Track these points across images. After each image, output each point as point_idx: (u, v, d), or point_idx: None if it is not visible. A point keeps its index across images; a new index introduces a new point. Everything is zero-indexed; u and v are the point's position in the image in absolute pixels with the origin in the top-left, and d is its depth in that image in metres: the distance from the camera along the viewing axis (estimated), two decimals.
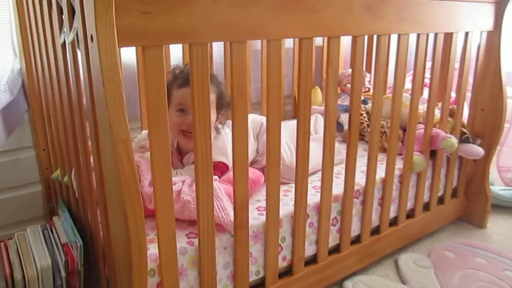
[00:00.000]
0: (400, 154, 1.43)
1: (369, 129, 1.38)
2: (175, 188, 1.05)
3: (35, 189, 1.49)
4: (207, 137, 0.86)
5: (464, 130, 1.52)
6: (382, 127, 1.54)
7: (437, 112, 1.53)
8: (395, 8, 1.11)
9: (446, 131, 1.44)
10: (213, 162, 1.19)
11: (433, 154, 1.46)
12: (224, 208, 0.98)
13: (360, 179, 1.28)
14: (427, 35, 1.29)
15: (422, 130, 1.41)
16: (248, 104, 1.34)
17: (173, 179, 1.09)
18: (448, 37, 1.34)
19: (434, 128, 1.42)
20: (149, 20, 0.75)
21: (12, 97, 1.32)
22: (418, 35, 1.24)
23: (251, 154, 1.31)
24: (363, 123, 1.64)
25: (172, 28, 0.77)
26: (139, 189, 0.76)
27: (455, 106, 1.55)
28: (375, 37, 1.35)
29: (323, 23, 0.98)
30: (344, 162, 1.20)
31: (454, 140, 1.37)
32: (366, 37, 1.15)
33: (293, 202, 1.10)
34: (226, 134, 1.23)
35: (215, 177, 1.11)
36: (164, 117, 0.80)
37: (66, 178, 1.17)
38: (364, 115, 1.65)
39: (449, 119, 1.49)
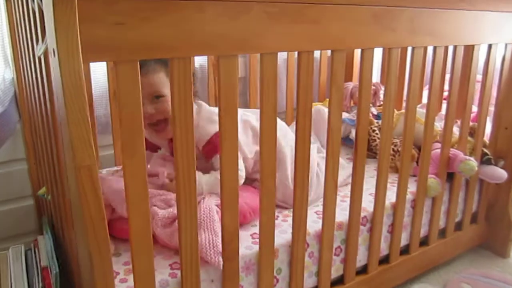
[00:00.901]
0: (415, 176, 1.31)
1: None
2: (166, 212, 0.96)
3: (28, 203, 1.43)
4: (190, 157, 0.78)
5: (486, 150, 1.40)
6: (395, 145, 1.43)
7: (456, 130, 1.41)
8: (408, 18, 1.01)
9: (466, 152, 1.32)
10: (207, 139, 1.10)
11: (450, 176, 1.34)
12: (214, 244, 0.89)
13: (368, 203, 1.17)
14: (445, 47, 1.18)
15: (439, 150, 1.30)
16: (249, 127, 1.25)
17: (169, 196, 1.01)
18: (469, 49, 1.23)
19: (452, 149, 1.30)
20: (122, 31, 0.66)
21: (3, 108, 1.26)
22: (435, 48, 1.13)
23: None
24: (375, 139, 1.53)
25: (149, 41, 0.69)
26: (105, 223, 0.67)
27: (476, 124, 1.43)
28: None
29: (325, 34, 0.89)
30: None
31: (474, 163, 1.25)
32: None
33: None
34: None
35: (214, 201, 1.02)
36: (141, 141, 0.72)
37: (50, 196, 1.10)
38: (377, 131, 1.54)
39: (469, 138, 1.37)
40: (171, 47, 0.71)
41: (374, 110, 1.69)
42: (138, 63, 0.70)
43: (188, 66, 0.74)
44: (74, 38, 0.61)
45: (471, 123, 1.40)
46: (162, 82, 1.07)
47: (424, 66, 1.71)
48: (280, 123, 1.21)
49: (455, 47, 1.19)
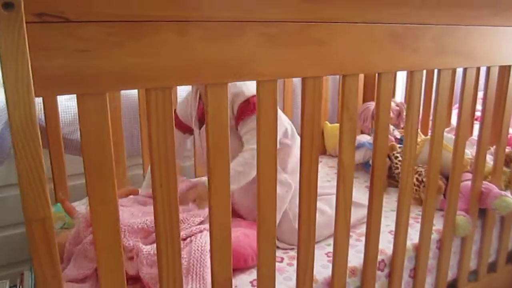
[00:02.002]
0: (442, 210, 1.17)
1: None
2: (151, 248, 0.86)
3: (23, 230, 1.35)
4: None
5: None
6: (419, 174, 1.28)
7: (490, 159, 1.26)
8: (433, 37, 0.88)
9: (500, 185, 1.17)
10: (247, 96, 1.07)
11: (482, 211, 1.18)
12: None
13: (387, 244, 1.03)
14: (477, 68, 1.04)
15: (469, 183, 1.15)
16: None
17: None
18: (505, 70, 1.08)
19: (484, 182, 1.15)
20: (88, 60, 0.56)
21: None
22: (465, 69, 0.99)
23: None
24: (398, 167, 1.39)
25: (119, 70, 0.59)
26: (60, 282, 0.57)
27: None
28: None
29: (333, 57, 0.77)
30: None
31: (510, 199, 1.10)
32: None
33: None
34: None
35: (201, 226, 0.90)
36: (112, 185, 0.61)
37: None
38: (400, 158, 1.40)
39: (505, 168, 1.21)
40: (147, 77, 0.61)
41: (397, 134, 1.56)
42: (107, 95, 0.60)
43: (168, 97, 0.63)
44: (24, 69, 0.52)
45: (507, 150, 1.25)
46: None
47: (453, 86, 1.56)
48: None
49: (488, 68, 1.04)
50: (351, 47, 0.78)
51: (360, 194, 1.32)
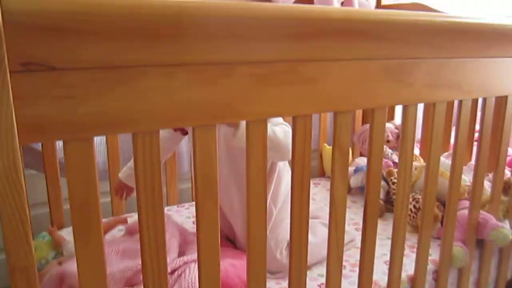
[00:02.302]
0: (439, 238, 1.16)
1: None
2: None
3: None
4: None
5: None
6: (417, 201, 1.27)
7: (488, 186, 1.25)
8: (428, 71, 0.87)
9: (499, 215, 1.16)
10: None
11: (480, 240, 1.17)
12: None
13: (381, 275, 1.02)
14: (473, 100, 1.03)
15: (466, 211, 1.14)
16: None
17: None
18: (502, 100, 1.07)
19: (482, 212, 1.14)
20: (74, 106, 0.56)
21: None
22: (460, 101, 0.99)
23: None
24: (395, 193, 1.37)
25: (105, 116, 0.58)
26: None
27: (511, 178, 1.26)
28: None
29: (325, 94, 0.76)
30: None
31: (507, 231, 1.08)
32: None
33: None
34: None
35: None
36: (97, 225, 0.61)
37: None
38: None
39: (503, 197, 1.20)
40: (133, 121, 0.61)
41: (396, 157, 1.54)
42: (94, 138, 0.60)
43: (155, 140, 0.63)
44: (8, 119, 0.52)
45: (505, 177, 1.24)
46: None
47: (451, 111, 1.54)
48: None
49: (484, 99, 1.04)
50: (343, 84, 0.77)
51: (359, 217, 1.31)
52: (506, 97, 1.06)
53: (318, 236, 1.13)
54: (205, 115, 0.66)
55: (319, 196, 1.51)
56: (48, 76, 0.54)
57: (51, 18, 0.51)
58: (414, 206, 1.27)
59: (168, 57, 0.61)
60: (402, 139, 0.91)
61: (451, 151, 1.50)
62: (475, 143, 1.59)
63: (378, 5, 1.64)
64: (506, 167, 1.24)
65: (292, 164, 0.77)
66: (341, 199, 0.85)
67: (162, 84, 0.61)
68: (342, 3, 1.50)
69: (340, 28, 0.72)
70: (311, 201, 0.82)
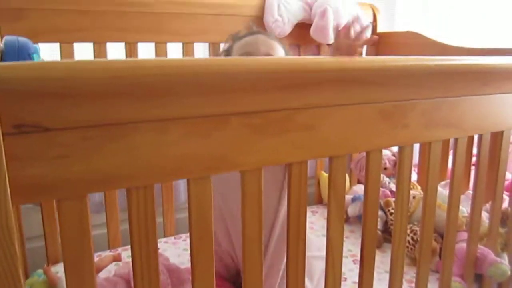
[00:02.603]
0: (438, 271, 1.15)
1: None
2: None
3: None
4: None
5: None
6: (415, 233, 1.27)
7: (486, 217, 1.24)
8: (423, 112, 0.87)
9: (497, 248, 1.15)
10: None
11: (479, 275, 1.16)
12: None
13: None
14: (469, 137, 1.03)
15: (465, 245, 1.13)
16: None
17: None
18: (497, 136, 1.07)
19: (480, 246, 1.13)
20: (67, 166, 0.56)
21: None
22: (456, 139, 0.99)
23: None
24: (393, 223, 1.37)
25: (99, 173, 0.58)
26: None
27: (509, 209, 1.26)
28: None
29: (321, 141, 0.76)
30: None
31: (506, 267, 1.08)
32: None
33: None
34: None
35: None
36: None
37: None
38: None
39: (501, 230, 1.19)
40: (127, 177, 0.60)
41: (393, 186, 1.54)
42: (88, 197, 0.59)
43: (150, 194, 0.63)
44: (0, 181, 0.51)
45: (503, 207, 1.24)
46: (279, 53, 1.05)
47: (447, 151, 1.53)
48: None
49: (480, 136, 1.04)
50: (339, 129, 0.77)
51: (357, 249, 1.31)
52: (501, 132, 1.06)
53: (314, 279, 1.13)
54: (200, 168, 0.66)
55: (317, 225, 1.51)
56: (41, 137, 0.54)
57: (43, 84, 0.51)
58: (412, 238, 1.26)
59: (160, 113, 0.61)
60: (398, 179, 0.91)
61: (448, 180, 1.50)
62: (473, 167, 1.59)
63: (374, 33, 1.65)
64: (505, 192, 1.23)
65: (288, 215, 0.76)
66: (337, 242, 0.84)
67: (155, 139, 0.61)
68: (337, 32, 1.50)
69: (335, 77, 0.72)
70: (308, 230, 0.81)
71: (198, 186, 0.66)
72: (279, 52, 1.03)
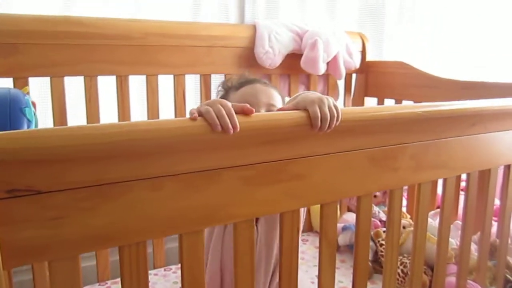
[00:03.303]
0: None
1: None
2: None
3: None
4: None
5: (510, 276, 1.24)
6: (404, 266, 1.28)
7: (474, 250, 1.25)
8: (412, 155, 0.88)
9: (485, 283, 1.16)
10: None
11: None
12: None
13: None
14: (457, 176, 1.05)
15: (454, 279, 1.14)
16: None
17: None
18: (485, 174, 1.09)
19: (469, 281, 1.14)
20: (59, 227, 0.56)
21: None
22: (445, 179, 1.00)
23: None
24: (383, 254, 1.38)
25: (92, 232, 0.58)
26: None
27: (497, 241, 1.27)
28: None
29: (313, 189, 0.77)
30: None
31: None
32: None
33: None
34: None
35: None
36: None
37: None
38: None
39: (489, 263, 1.21)
40: (121, 235, 0.60)
41: (383, 215, 1.55)
42: (80, 257, 0.59)
43: (142, 250, 0.63)
44: None
45: (491, 239, 1.25)
46: (279, 103, 1.03)
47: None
48: None
49: (468, 174, 1.05)
50: (330, 176, 0.78)
51: (348, 280, 1.31)
52: (489, 170, 1.08)
53: None
54: (193, 222, 0.66)
55: (308, 254, 1.51)
56: (34, 199, 0.54)
57: (34, 153, 0.51)
58: (402, 271, 1.27)
59: (154, 170, 0.61)
60: (388, 221, 0.92)
61: (437, 209, 1.52)
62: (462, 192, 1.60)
63: (363, 62, 1.67)
64: (493, 218, 1.24)
65: (280, 260, 0.77)
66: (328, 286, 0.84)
67: (149, 196, 0.61)
68: (328, 63, 1.52)
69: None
70: (299, 261, 0.81)
71: (190, 240, 0.66)
72: (278, 99, 1.02)
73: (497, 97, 1.28)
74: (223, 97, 1.06)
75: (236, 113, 0.64)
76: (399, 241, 0.99)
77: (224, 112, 0.62)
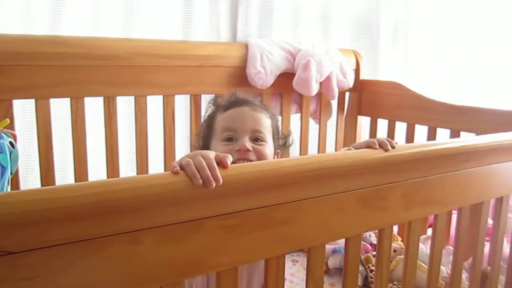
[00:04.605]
0: None
1: None
2: None
3: None
4: None
5: None
6: None
7: (465, 278, 1.24)
8: (403, 194, 0.86)
9: None
10: None
11: None
12: None
13: None
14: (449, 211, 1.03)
15: None
16: None
17: None
18: (477, 207, 1.07)
19: None
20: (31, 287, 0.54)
21: None
22: (436, 215, 0.98)
23: None
24: (373, 280, 1.36)
25: None
26: None
27: (489, 268, 1.26)
28: None
29: (299, 233, 0.75)
30: None
31: None
32: None
33: None
34: None
35: None
36: None
37: None
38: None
39: None
40: None
41: (374, 239, 1.54)
42: None
43: None
44: None
45: (483, 266, 1.24)
46: (267, 128, 0.99)
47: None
48: None
49: (460, 209, 1.03)
50: (317, 220, 0.76)
51: None
52: (481, 204, 1.06)
53: None
54: (174, 273, 0.64)
55: (298, 277, 1.49)
56: (4, 260, 0.52)
57: (5, 218, 0.49)
58: None
59: (133, 225, 0.59)
60: (378, 260, 0.90)
61: (428, 234, 1.50)
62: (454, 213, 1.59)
63: (357, 80, 1.65)
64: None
65: None
66: None
67: (128, 250, 0.59)
68: (320, 83, 1.50)
69: (314, 176, 0.71)
70: (288, 284, 0.78)
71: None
72: (266, 124, 0.99)
73: (492, 123, 1.27)
74: (212, 114, 1.04)
75: (217, 164, 0.62)
76: (389, 268, 0.98)
77: (205, 164, 0.60)
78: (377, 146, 0.78)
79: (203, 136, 1.03)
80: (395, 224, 0.90)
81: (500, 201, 1.12)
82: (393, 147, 0.79)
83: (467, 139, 0.92)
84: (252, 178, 0.65)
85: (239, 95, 1.06)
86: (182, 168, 0.60)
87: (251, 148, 0.91)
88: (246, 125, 0.94)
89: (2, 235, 0.50)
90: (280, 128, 1.09)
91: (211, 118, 1.02)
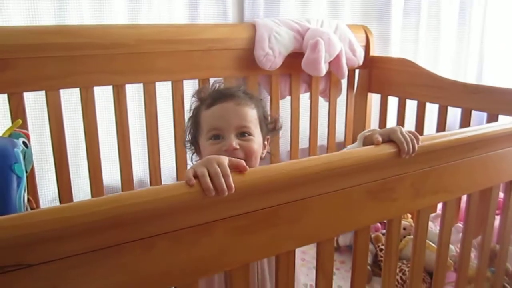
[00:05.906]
0: None
1: None
2: None
3: None
4: None
5: (508, 285, 1.24)
6: (403, 273, 1.29)
7: (474, 257, 1.26)
8: (411, 184, 0.87)
9: None
10: None
11: None
12: None
13: None
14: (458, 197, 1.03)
15: None
16: None
17: None
18: (486, 192, 1.08)
19: None
20: None
21: None
22: (445, 203, 0.99)
23: None
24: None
25: None
26: None
27: (498, 246, 1.27)
28: None
29: (308, 229, 0.76)
30: None
31: None
32: None
33: None
34: None
35: None
36: None
37: None
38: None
39: (488, 274, 1.21)
40: None
41: None
42: None
43: None
44: None
45: (492, 244, 1.25)
46: (253, 120, 0.96)
47: None
48: None
49: (469, 195, 1.04)
50: (326, 215, 0.77)
51: (347, 285, 1.32)
52: (490, 188, 1.06)
53: None
54: (187, 274, 0.66)
55: (309, 255, 1.51)
56: (25, 273, 0.54)
57: (25, 238, 0.51)
58: (401, 278, 1.28)
59: (147, 230, 0.61)
60: (386, 252, 0.92)
61: (438, 212, 1.51)
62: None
63: (367, 57, 1.63)
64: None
65: None
66: None
67: (141, 256, 0.61)
68: (329, 62, 1.48)
69: (322, 174, 0.72)
70: (300, 262, 0.81)
71: None
72: (252, 117, 0.95)
73: (504, 103, 1.25)
74: (196, 108, 1.01)
75: (230, 169, 0.63)
76: (398, 247, 0.99)
77: (219, 171, 0.61)
78: (398, 148, 0.80)
79: (191, 132, 1.01)
80: (404, 213, 0.91)
81: (509, 185, 1.12)
82: (414, 150, 0.81)
83: (474, 128, 0.91)
84: (261, 183, 0.66)
85: (220, 88, 1.02)
86: (196, 177, 0.61)
87: (238, 147, 0.90)
88: (231, 122, 0.92)
89: (23, 251, 0.52)
90: (268, 113, 1.05)
91: (195, 115, 0.99)
